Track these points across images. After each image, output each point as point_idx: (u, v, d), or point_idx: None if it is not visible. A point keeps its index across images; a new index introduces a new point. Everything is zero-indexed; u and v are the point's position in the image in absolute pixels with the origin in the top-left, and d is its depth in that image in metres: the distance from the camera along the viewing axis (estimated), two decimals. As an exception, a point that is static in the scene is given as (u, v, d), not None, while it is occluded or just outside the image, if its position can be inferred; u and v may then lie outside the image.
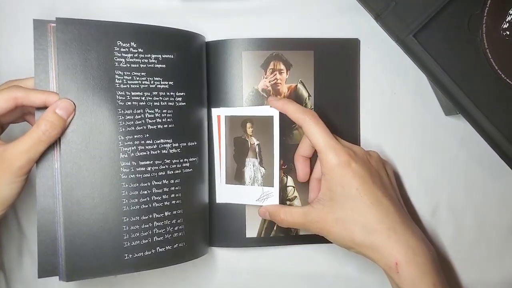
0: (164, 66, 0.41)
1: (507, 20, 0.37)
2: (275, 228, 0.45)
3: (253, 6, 0.45)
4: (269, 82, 0.44)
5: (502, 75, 0.38)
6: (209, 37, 0.45)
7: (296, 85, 0.45)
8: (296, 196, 0.45)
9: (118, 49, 0.39)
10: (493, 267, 0.46)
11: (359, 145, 0.45)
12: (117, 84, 0.39)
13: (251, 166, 0.44)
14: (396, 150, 0.46)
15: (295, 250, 0.46)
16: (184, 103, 0.42)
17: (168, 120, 0.41)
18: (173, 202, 0.41)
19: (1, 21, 0.45)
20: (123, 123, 0.39)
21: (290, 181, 0.45)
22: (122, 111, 0.39)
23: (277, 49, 0.44)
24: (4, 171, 0.35)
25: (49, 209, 0.37)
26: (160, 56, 0.41)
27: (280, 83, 0.44)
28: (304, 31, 0.45)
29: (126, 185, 0.39)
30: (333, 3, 0.45)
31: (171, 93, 0.41)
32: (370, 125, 0.45)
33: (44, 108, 0.36)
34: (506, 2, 0.37)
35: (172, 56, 0.41)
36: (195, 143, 0.43)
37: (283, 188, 0.44)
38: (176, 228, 0.41)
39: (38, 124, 0.35)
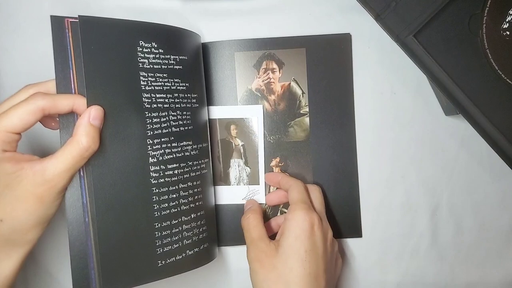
0: (181, 67, 0.40)
1: (507, 20, 0.37)
2: None
3: (253, 6, 0.45)
4: (263, 81, 0.45)
5: (502, 75, 0.38)
6: (210, 37, 0.45)
7: (290, 83, 0.45)
8: None
9: (141, 49, 0.38)
10: (494, 267, 0.46)
11: (356, 143, 0.45)
12: (143, 86, 0.37)
13: (236, 167, 0.45)
14: (396, 150, 0.46)
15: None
16: (197, 105, 0.42)
17: (188, 122, 0.41)
18: (197, 203, 0.41)
19: (1, 21, 0.45)
20: (151, 126, 0.38)
21: None
22: (149, 114, 0.38)
23: (269, 49, 0.45)
24: (48, 191, 0.33)
25: (78, 221, 0.35)
26: (177, 57, 0.40)
27: (274, 82, 0.45)
28: (302, 29, 0.45)
29: (157, 190, 0.38)
30: (333, 3, 0.45)
31: (188, 95, 0.41)
32: (370, 125, 0.45)
33: (68, 113, 0.34)
34: (506, 2, 0.37)
35: (186, 58, 0.41)
36: (207, 144, 0.43)
37: None
38: (201, 230, 0.41)
39: (78, 140, 0.33)
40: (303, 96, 0.45)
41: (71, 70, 0.35)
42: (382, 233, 0.46)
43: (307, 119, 0.45)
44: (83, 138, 0.33)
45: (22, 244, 0.34)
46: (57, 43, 0.35)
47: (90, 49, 0.35)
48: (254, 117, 0.44)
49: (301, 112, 0.45)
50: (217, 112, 0.45)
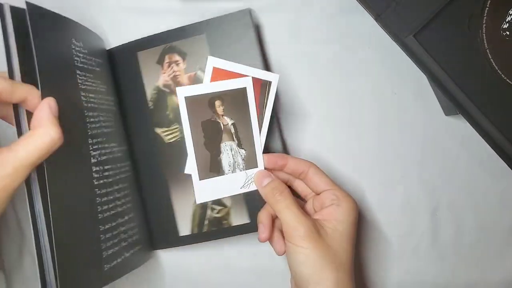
0: (99, 69, 0.41)
1: (507, 20, 0.37)
2: (206, 222, 0.44)
3: (254, 6, 0.45)
4: (168, 76, 0.44)
5: (502, 75, 0.38)
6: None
7: (196, 73, 0.44)
8: None
9: (74, 47, 0.37)
10: (494, 267, 0.46)
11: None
12: (80, 84, 0.37)
13: (229, 151, 0.38)
14: (396, 150, 0.45)
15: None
16: (115, 108, 0.43)
17: (112, 123, 0.41)
18: (129, 205, 0.41)
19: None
20: (89, 125, 0.37)
21: None
22: (87, 113, 0.37)
23: (168, 42, 0.43)
24: (4, 188, 0.29)
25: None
26: (96, 59, 0.40)
27: (179, 75, 0.44)
28: (302, 30, 0.45)
29: (99, 191, 0.37)
30: (333, 3, 0.45)
31: (108, 97, 0.41)
32: (370, 125, 0.45)
33: (16, 103, 0.31)
34: (506, 2, 0.37)
35: (101, 61, 0.41)
36: (126, 147, 0.43)
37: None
38: (134, 231, 0.41)
39: (47, 132, 0.30)
40: None
41: (14, 58, 0.32)
42: (383, 233, 0.46)
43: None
44: (52, 129, 0.30)
45: None
46: (3, 30, 0.32)
47: (40, 39, 0.32)
48: (243, 87, 0.37)
49: None
50: (193, 88, 0.37)
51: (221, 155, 0.38)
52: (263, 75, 0.37)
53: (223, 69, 0.37)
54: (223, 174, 0.38)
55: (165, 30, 0.44)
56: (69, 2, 0.46)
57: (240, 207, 0.44)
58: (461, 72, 0.38)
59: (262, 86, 0.38)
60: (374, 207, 0.46)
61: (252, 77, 0.38)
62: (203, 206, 0.44)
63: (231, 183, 0.39)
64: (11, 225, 0.46)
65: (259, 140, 0.38)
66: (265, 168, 0.39)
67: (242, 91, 0.37)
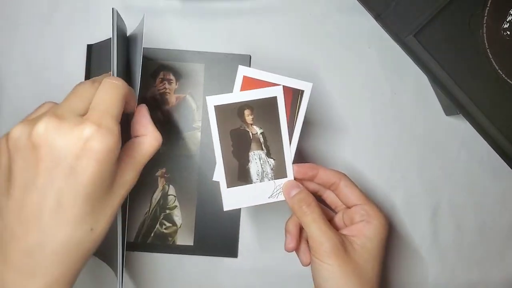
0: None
1: (507, 20, 0.37)
2: (152, 235, 0.45)
3: (254, 6, 0.45)
4: (158, 91, 0.45)
5: (502, 75, 0.38)
6: (209, 37, 0.45)
7: (185, 96, 0.45)
8: (177, 206, 0.45)
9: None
10: (494, 267, 0.46)
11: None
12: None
13: (257, 160, 0.38)
14: (396, 150, 0.45)
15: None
16: None
17: None
18: None
19: (1, 21, 0.45)
20: None
21: (171, 189, 0.45)
22: None
23: (168, 60, 0.45)
24: (125, 194, 0.32)
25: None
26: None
27: (169, 93, 0.45)
28: (302, 29, 0.45)
29: None
30: (333, 3, 0.45)
31: None
32: (370, 125, 0.45)
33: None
34: (506, 2, 0.37)
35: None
36: None
37: (163, 196, 0.45)
38: None
39: (156, 136, 0.34)
40: (197, 110, 0.45)
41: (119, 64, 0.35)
42: (382, 233, 0.46)
43: (199, 134, 0.45)
44: (158, 134, 0.34)
45: (90, 256, 0.31)
46: (116, 36, 0.35)
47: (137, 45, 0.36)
48: (274, 96, 0.37)
49: (194, 126, 0.45)
50: (222, 97, 0.37)
51: (249, 164, 0.38)
52: (295, 83, 0.37)
53: (253, 78, 0.37)
54: (251, 183, 0.38)
55: (170, 48, 0.45)
56: (69, 2, 0.45)
57: (189, 230, 0.45)
58: (461, 72, 0.38)
59: (293, 95, 0.38)
60: (374, 207, 0.46)
61: (284, 86, 0.37)
62: (154, 218, 0.45)
63: (259, 192, 0.38)
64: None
65: (289, 150, 0.38)
66: (294, 179, 0.38)
67: (272, 100, 0.37)
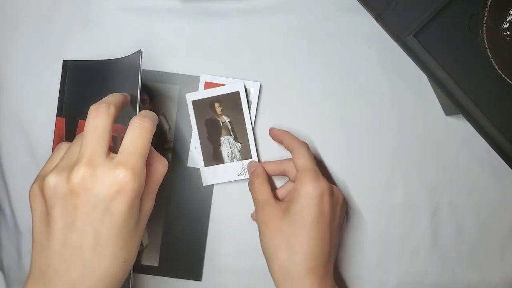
0: None
1: (507, 20, 0.37)
2: None
3: (254, 5, 0.45)
4: None
5: (502, 75, 0.38)
6: (208, 37, 0.45)
7: (158, 117, 0.45)
8: None
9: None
10: (494, 267, 0.46)
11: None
12: None
13: (227, 144, 0.45)
14: (396, 150, 0.45)
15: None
16: None
17: None
18: None
19: (1, 21, 0.45)
20: None
21: None
22: None
23: (143, 80, 0.44)
24: (145, 220, 0.35)
25: None
26: None
27: None
28: (302, 29, 0.45)
29: None
30: (333, 3, 0.45)
31: None
32: (370, 125, 0.45)
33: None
34: (506, 2, 0.37)
35: None
36: None
37: None
38: None
39: (164, 164, 0.36)
40: (169, 131, 0.45)
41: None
42: (383, 233, 0.46)
43: (169, 155, 0.45)
44: (164, 161, 0.36)
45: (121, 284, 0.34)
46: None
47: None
48: (236, 91, 0.44)
49: (165, 147, 0.45)
50: (198, 94, 0.44)
51: (221, 147, 0.45)
52: (247, 84, 0.45)
53: (213, 82, 0.45)
54: (223, 163, 0.45)
55: (144, 69, 0.45)
56: (69, 2, 0.45)
57: (154, 251, 0.45)
58: (461, 71, 0.38)
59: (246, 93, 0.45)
60: (374, 207, 0.46)
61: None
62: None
63: (230, 171, 0.45)
64: (9, 225, 0.46)
65: (252, 135, 0.45)
66: (258, 160, 0.45)
67: (236, 94, 0.44)
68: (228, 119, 0.44)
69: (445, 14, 0.38)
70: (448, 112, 0.44)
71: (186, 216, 0.45)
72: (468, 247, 0.45)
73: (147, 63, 0.45)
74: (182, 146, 0.45)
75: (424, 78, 0.44)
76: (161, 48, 0.45)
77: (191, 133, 0.45)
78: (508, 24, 0.37)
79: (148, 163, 0.35)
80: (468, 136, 0.45)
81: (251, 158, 0.45)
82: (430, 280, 0.46)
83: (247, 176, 0.44)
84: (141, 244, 0.45)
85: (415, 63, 0.39)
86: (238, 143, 0.45)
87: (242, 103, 0.44)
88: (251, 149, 0.45)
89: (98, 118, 0.32)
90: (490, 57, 0.38)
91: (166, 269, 0.45)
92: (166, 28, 0.45)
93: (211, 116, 0.44)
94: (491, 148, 0.39)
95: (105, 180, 0.30)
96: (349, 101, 0.45)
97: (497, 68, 0.38)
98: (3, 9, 0.45)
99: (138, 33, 0.45)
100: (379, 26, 0.39)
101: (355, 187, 0.46)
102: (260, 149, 0.45)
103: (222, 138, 0.45)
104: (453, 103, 0.39)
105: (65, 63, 0.45)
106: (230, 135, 0.44)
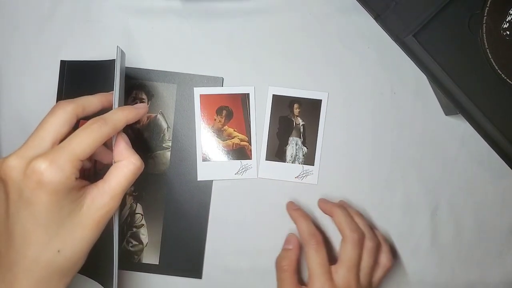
0: None
1: (507, 20, 0.37)
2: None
3: (254, 6, 0.45)
4: None
5: (502, 75, 0.38)
6: (209, 37, 0.45)
7: (156, 115, 0.45)
8: (143, 224, 0.45)
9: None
10: (494, 267, 0.46)
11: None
12: None
13: (294, 145, 0.45)
14: (396, 150, 0.45)
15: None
16: None
17: None
18: None
19: (1, 21, 0.45)
20: None
21: (139, 208, 0.45)
22: None
23: (140, 79, 0.45)
24: (105, 216, 0.34)
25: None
26: None
27: None
28: (303, 29, 0.45)
29: None
30: (333, 3, 0.45)
31: None
32: (370, 125, 0.45)
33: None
34: (506, 2, 0.37)
35: None
36: None
37: (131, 214, 0.45)
38: None
39: (131, 161, 0.35)
40: (167, 130, 0.45)
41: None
42: (383, 233, 0.46)
43: (168, 153, 0.45)
44: (133, 158, 0.35)
45: (70, 274, 0.34)
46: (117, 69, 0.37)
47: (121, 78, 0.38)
48: (320, 99, 0.45)
49: (164, 145, 0.45)
50: (281, 89, 0.45)
51: (287, 146, 0.45)
52: (239, 90, 0.46)
53: (209, 94, 0.45)
54: (284, 161, 0.45)
55: (142, 68, 0.45)
56: (69, 2, 0.45)
57: (154, 249, 0.45)
58: (461, 72, 0.38)
59: (242, 99, 0.46)
60: (374, 207, 0.46)
61: (230, 93, 0.46)
62: (121, 236, 0.45)
63: (288, 171, 0.45)
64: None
65: (321, 144, 0.45)
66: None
67: (318, 102, 0.45)
68: (303, 122, 0.45)
69: (444, 14, 0.38)
70: (447, 112, 0.44)
71: (185, 213, 0.45)
72: (467, 246, 0.46)
73: (147, 62, 0.45)
74: (181, 144, 0.45)
75: (424, 78, 0.44)
76: (161, 48, 0.45)
77: (195, 131, 0.45)
78: (508, 24, 0.37)
79: (117, 159, 0.35)
80: (467, 136, 0.45)
81: (313, 165, 0.45)
82: (429, 279, 0.46)
83: (304, 181, 0.45)
84: (141, 243, 0.45)
85: (415, 63, 0.39)
86: (305, 148, 0.45)
87: (321, 111, 0.45)
88: (316, 157, 0.45)
89: (52, 113, 0.34)
90: (490, 57, 0.38)
91: (166, 267, 0.45)
92: (166, 28, 0.45)
93: (287, 115, 0.45)
94: (490, 148, 0.39)
95: (27, 171, 0.31)
96: (348, 101, 0.45)
97: (497, 68, 0.38)
98: (3, 9, 0.45)
99: (138, 33, 0.45)
100: (379, 26, 0.39)
101: (354, 187, 0.46)
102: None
103: (290, 138, 0.45)
104: (452, 103, 0.39)
105: (63, 63, 0.45)
106: (300, 137, 0.45)
